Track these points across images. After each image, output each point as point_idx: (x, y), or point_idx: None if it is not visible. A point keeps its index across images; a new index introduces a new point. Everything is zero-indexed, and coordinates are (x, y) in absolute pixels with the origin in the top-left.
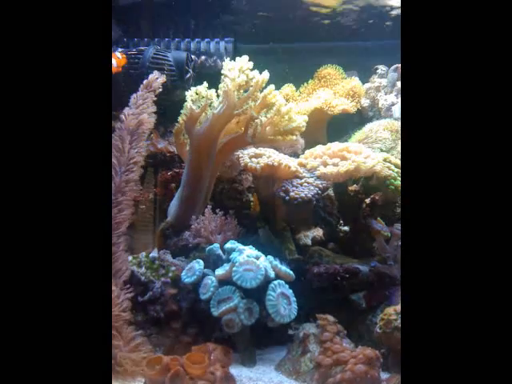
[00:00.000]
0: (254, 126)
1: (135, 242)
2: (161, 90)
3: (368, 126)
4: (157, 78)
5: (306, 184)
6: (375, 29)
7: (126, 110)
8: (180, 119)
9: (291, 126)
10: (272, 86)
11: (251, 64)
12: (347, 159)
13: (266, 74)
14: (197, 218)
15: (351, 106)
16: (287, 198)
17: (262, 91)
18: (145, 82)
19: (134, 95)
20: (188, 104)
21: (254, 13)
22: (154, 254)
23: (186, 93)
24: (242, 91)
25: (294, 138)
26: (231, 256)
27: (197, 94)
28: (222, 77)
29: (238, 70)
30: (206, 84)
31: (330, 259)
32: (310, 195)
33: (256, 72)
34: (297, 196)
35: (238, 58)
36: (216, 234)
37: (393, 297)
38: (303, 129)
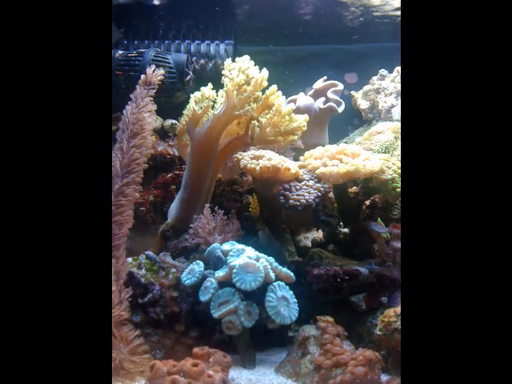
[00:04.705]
0: (252, 127)
1: (135, 244)
2: (159, 87)
3: (369, 130)
4: (154, 73)
5: (305, 187)
6: (375, 31)
7: (127, 110)
8: (182, 120)
9: (292, 126)
10: (274, 87)
11: (252, 64)
12: (346, 162)
13: (265, 72)
14: (196, 219)
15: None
16: (287, 205)
17: (263, 91)
18: (142, 78)
19: (134, 94)
20: (191, 105)
21: (254, 14)
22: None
23: (191, 95)
24: (245, 93)
25: (296, 138)
26: (228, 258)
27: (202, 95)
28: (223, 77)
29: (237, 69)
30: (210, 85)
31: (330, 261)
32: (310, 200)
33: (256, 71)
34: (297, 203)
35: (238, 58)
36: (215, 234)
37: (393, 298)
38: (304, 128)
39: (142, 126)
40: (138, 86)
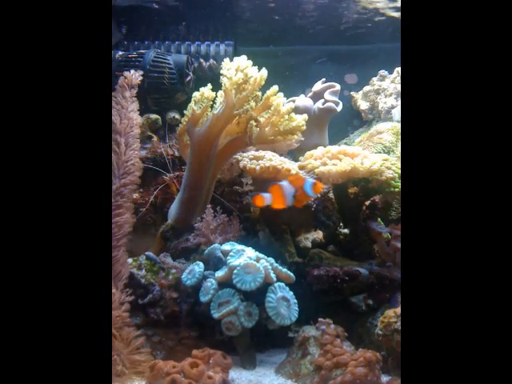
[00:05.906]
0: (250, 127)
1: (135, 245)
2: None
3: (369, 131)
4: (134, 75)
5: None
6: (375, 32)
7: (115, 113)
8: (183, 120)
9: (291, 125)
10: (275, 87)
11: (250, 63)
12: (345, 161)
13: (264, 72)
14: (198, 219)
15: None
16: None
17: (262, 91)
18: (121, 80)
19: (116, 96)
20: (191, 105)
21: (254, 14)
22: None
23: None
24: (243, 92)
25: (295, 137)
26: (228, 259)
27: (201, 95)
28: (221, 77)
29: (234, 69)
30: (209, 86)
31: (330, 262)
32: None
33: (255, 70)
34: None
35: (236, 58)
36: (216, 234)
37: (393, 299)
38: (303, 128)
39: (132, 125)
40: (117, 88)
